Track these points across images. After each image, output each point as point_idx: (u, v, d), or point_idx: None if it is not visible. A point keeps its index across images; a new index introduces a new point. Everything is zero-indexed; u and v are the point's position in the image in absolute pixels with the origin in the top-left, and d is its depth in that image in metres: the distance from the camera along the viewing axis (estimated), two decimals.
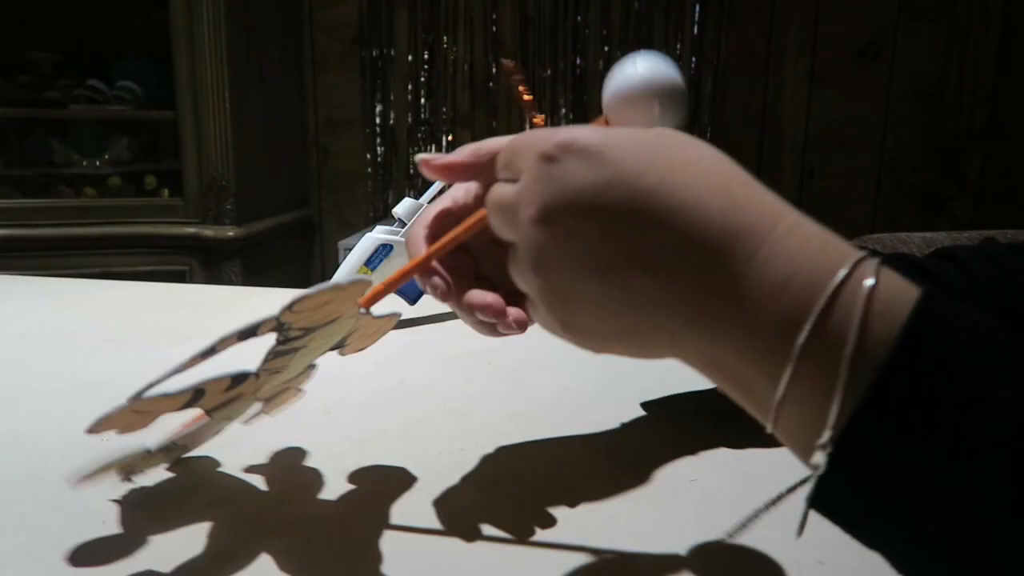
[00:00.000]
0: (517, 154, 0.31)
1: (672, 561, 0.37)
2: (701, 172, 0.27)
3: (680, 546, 0.38)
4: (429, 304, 0.80)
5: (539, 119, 0.38)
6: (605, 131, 0.28)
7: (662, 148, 0.28)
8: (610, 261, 0.27)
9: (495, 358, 0.66)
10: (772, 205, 0.27)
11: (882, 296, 0.24)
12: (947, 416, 0.22)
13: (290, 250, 2.43)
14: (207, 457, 0.47)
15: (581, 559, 0.37)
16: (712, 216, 0.26)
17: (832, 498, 0.25)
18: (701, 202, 0.26)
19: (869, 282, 0.24)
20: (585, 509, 0.41)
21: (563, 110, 2.33)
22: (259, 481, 0.44)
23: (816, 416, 0.24)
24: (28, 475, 0.44)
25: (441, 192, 0.66)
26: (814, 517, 0.25)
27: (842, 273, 0.24)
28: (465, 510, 0.41)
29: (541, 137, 0.29)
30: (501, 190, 0.32)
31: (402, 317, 0.80)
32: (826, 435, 0.24)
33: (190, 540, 0.37)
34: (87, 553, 0.36)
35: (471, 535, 0.38)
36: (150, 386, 0.33)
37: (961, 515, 0.23)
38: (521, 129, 2.28)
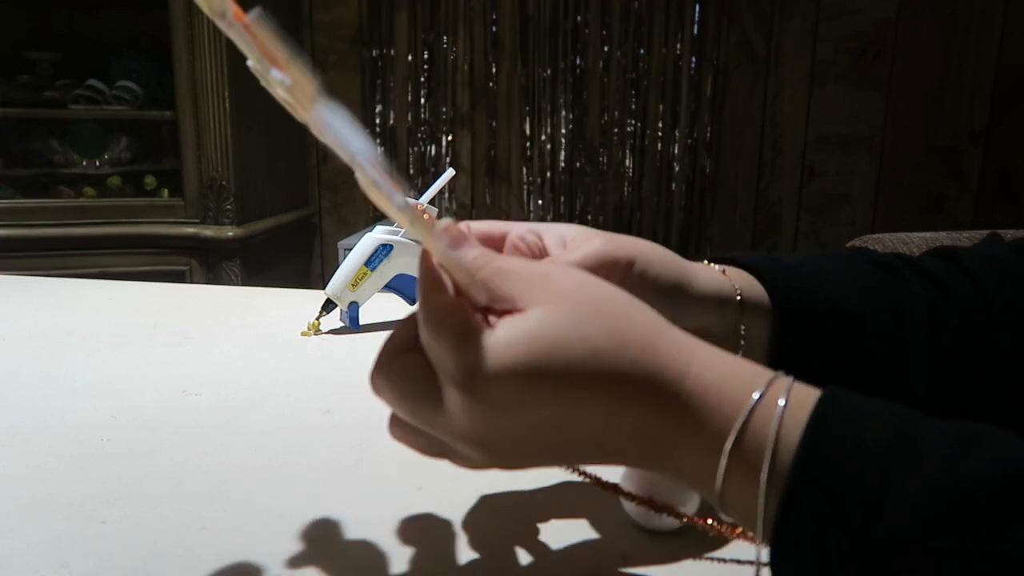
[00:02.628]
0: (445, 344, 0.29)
1: (671, 561, 0.37)
2: (604, 333, 0.29)
3: (681, 545, 0.38)
4: None
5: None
6: (518, 351, 0.28)
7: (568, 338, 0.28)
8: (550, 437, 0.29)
9: None
10: (677, 340, 0.30)
11: (789, 415, 0.27)
12: (852, 506, 0.25)
13: (290, 250, 2.43)
14: (205, 457, 0.47)
15: (582, 558, 0.37)
16: (628, 363, 0.28)
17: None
18: (610, 356, 0.28)
19: (781, 402, 0.27)
20: (584, 509, 0.41)
21: (563, 111, 2.33)
22: (258, 481, 0.44)
23: (751, 515, 0.27)
24: (27, 475, 0.44)
25: (440, 192, 0.65)
26: None
27: (756, 396, 0.28)
28: (465, 510, 0.41)
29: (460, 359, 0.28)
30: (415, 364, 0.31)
31: (402, 317, 0.80)
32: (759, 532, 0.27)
33: (190, 540, 0.37)
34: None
35: (471, 535, 0.38)
36: None
37: None
38: (519, 133, 2.25)
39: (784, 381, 0.28)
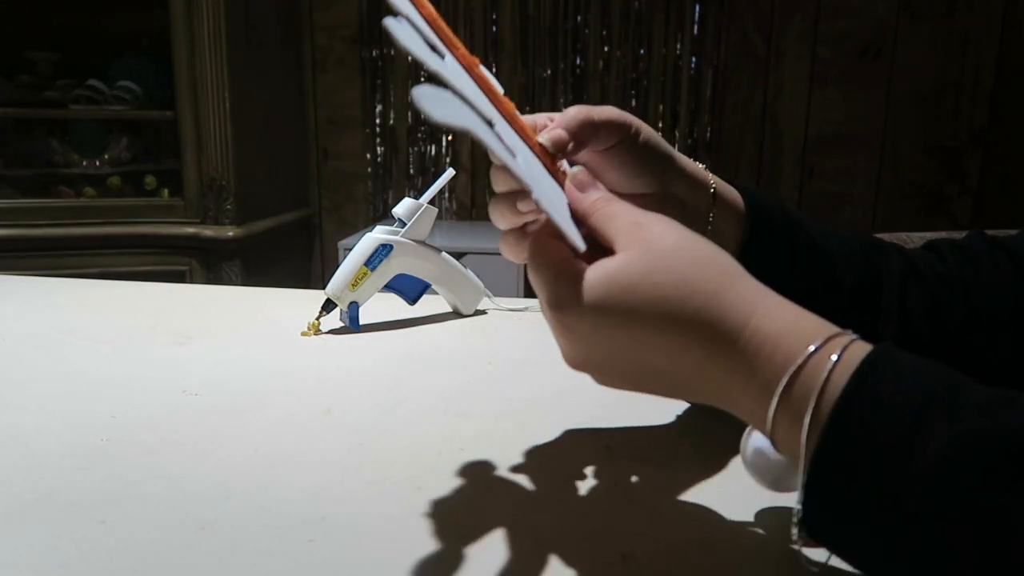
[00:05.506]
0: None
1: (672, 560, 0.37)
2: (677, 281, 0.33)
3: (680, 545, 0.38)
4: (429, 304, 0.81)
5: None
6: (607, 285, 0.33)
7: (652, 288, 0.33)
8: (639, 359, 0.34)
9: (495, 358, 0.66)
10: (745, 292, 0.33)
11: (840, 367, 0.29)
12: (887, 443, 0.27)
13: (290, 250, 2.43)
14: (205, 457, 0.47)
15: (582, 558, 0.37)
16: (691, 311, 0.32)
17: (814, 526, 0.30)
18: (676, 301, 0.32)
19: (834, 357, 0.30)
20: (585, 508, 0.41)
21: (563, 111, 2.32)
22: (258, 481, 0.44)
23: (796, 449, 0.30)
24: (27, 475, 0.44)
25: (440, 191, 0.65)
26: None
27: (812, 349, 0.30)
28: (465, 510, 0.41)
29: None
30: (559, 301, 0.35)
31: (402, 317, 0.80)
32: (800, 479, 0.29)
33: (190, 540, 0.37)
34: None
35: (471, 535, 0.38)
36: None
37: (916, 530, 0.27)
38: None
39: (843, 338, 0.30)
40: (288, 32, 2.32)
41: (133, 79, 2.05)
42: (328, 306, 0.73)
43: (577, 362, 0.36)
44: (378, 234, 0.74)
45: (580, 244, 0.35)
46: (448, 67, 0.38)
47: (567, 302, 0.33)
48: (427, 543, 0.38)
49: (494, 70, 2.35)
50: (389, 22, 0.33)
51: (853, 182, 2.31)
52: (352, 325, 0.74)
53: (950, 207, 2.28)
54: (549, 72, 2.32)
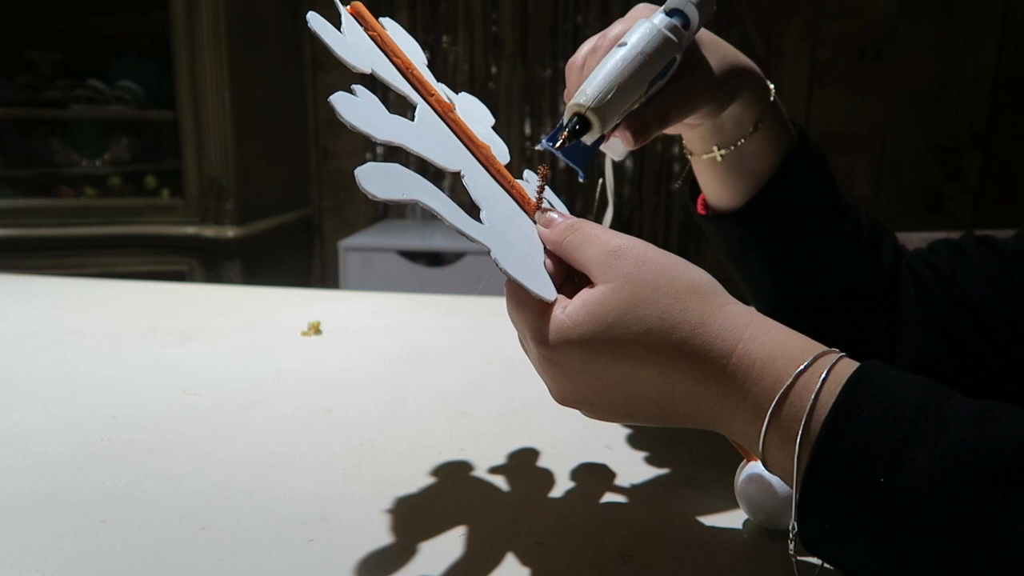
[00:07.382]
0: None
1: (672, 560, 0.37)
2: (667, 305, 0.33)
3: (680, 545, 0.38)
4: (429, 302, 0.81)
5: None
6: (593, 318, 0.33)
7: (630, 324, 0.33)
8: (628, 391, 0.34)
9: (495, 358, 0.66)
10: (730, 318, 0.33)
11: (828, 385, 0.30)
12: (877, 459, 0.28)
13: (290, 250, 2.42)
14: (205, 457, 0.47)
15: (582, 558, 0.37)
16: (678, 342, 0.32)
17: (809, 540, 0.30)
18: (661, 335, 0.32)
19: (822, 375, 0.30)
20: (584, 509, 0.41)
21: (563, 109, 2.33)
22: (258, 481, 0.44)
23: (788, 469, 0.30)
24: (27, 474, 0.44)
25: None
26: None
27: (800, 369, 0.30)
28: (465, 510, 0.41)
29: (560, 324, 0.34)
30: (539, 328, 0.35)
31: (402, 317, 0.80)
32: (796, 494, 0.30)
33: (190, 540, 0.38)
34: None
35: (471, 535, 0.38)
36: None
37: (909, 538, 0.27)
38: (519, 133, 2.26)
39: (831, 356, 0.31)
40: (288, 32, 2.32)
41: (133, 79, 2.05)
42: (575, 129, 0.43)
43: (567, 399, 0.36)
44: (669, 31, 0.43)
45: (548, 295, 0.34)
46: (421, 114, 0.38)
47: (553, 338, 0.34)
48: (427, 543, 0.38)
49: (494, 70, 2.35)
50: (337, 100, 0.32)
51: (853, 182, 2.31)
52: (584, 159, 0.47)
53: (950, 207, 2.28)
54: (549, 72, 2.31)
